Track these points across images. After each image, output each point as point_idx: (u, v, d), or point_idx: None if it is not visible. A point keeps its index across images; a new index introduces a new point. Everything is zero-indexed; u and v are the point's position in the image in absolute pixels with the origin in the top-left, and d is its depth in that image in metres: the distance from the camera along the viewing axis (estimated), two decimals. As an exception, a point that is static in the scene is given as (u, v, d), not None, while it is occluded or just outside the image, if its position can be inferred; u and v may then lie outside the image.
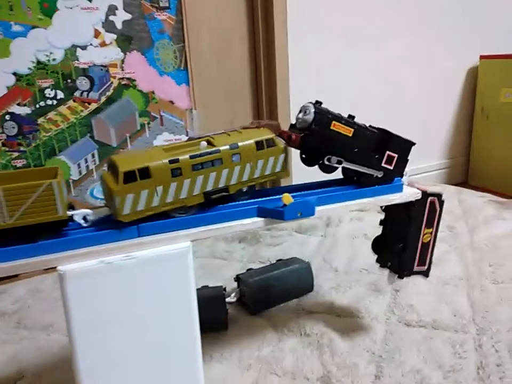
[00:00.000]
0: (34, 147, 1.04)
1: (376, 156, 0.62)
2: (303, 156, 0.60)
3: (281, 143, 0.57)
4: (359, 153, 0.61)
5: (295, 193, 0.57)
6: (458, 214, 1.26)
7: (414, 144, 0.64)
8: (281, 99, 1.28)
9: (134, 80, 1.12)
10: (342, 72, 1.41)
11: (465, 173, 1.74)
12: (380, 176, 0.63)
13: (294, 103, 1.30)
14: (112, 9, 1.07)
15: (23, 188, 0.43)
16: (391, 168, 0.63)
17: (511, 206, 1.30)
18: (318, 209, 0.56)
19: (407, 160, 0.65)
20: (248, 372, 0.66)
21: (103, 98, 1.09)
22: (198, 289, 0.79)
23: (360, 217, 1.22)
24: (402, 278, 0.71)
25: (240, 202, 0.55)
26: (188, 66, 1.18)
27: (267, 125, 0.59)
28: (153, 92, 1.14)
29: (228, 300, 0.81)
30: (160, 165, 0.48)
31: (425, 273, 0.72)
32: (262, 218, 0.53)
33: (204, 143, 0.52)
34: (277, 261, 0.89)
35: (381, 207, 0.69)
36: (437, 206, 0.68)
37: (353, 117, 0.61)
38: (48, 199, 0.44)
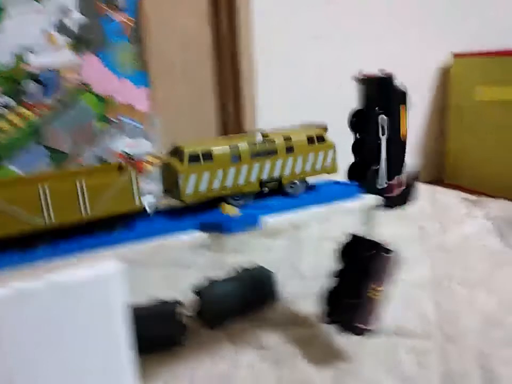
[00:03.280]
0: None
1: None
2: None
3: (330, 139, 0.61)
4: None
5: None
6: (430, 213, 1.24)
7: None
8: (247, 97, 1.23)
9: (90, 84, 1.07)
10: (310, 69, 1.38)
11: (440, 171, 1.73)
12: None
13: (262, 101, 1.26)
14: (65, 11, 1.03)
15: (104, 183, 0.45)
16: None
17: (483, 204, 1.28)
18: (270, 219, 0.53)
19: None
20: (199, 392, 0.63)
21: (56, 104, 1.04)
22: (149, 306, 0.76)
23: (329, 219, 1.19)
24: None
25: (181, 216, 0.51)
26: (147, 68, 1.13)
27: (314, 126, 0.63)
28: (110, 96, 1.10)
29: (185, 313, 0.77)
30: (221, 149, 0.52)
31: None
32: (205, 233, 0.50)
33: (259, 136, 0.56)
34: (239, 270, 0.85)
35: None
36: (388, 263, 0.66)
37: None
38: (127, 191, 0.46)
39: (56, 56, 1.03)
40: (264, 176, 0.56)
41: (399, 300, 0.82)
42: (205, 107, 1.26)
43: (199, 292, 0.78)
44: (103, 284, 0.44)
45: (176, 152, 0.53)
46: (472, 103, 1.56)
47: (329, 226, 1.16)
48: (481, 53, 1.53)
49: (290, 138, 0.57)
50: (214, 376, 0.65)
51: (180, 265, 0.98)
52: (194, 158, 0.50)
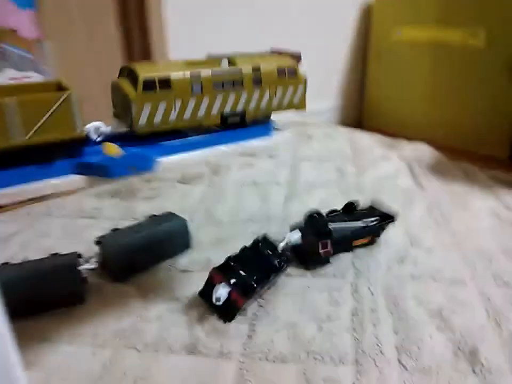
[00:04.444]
0: None
1: None
2: None
3: (302, 74, 0.56)
4: None
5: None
6: (348, 155, 1.25)
7: None
8: (155, 21, 1.09)
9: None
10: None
11: (360, 114, 1.75)
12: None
13: (172, 28, 1.14)
14: None
15: (39, 101, 0.37)
16: None
17: (399, 147, 1.31)
18: (166, 160, 0.46)
19: None
20: (101, 350, 0.57)
21: None
22: (46, 259, 0.68)
23: (251, 163, 1.15)
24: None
25: (57, 157, 0.43)
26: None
27: (287, 55, 0.58)
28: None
29: (87, 267, 0.70)
30: (181, 77, 0.47)
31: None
32: (83, 177, 0.42)
33: (226, 62, 0.51)
34: (149, 217, 0.79)
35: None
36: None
37: None
38: (66, 114, 0.39)
39: None
40: (227, 109, 0.51)
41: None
42: (103, 34, 1.09)
43: (101, 243, 0.71)
44: None
45: (129, 74, 0.46)
46: (390, 45, 1.56)
47: (250, 171, 1.12)
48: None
49: (259, 69, 0.52)
50: (120, 331, 0.60)
51: (83, 215, 0.89)
52: (150, 85, 0.44)
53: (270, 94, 0.54)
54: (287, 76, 0.54)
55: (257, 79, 0.52)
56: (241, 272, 0.64)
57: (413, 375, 0.54)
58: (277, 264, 0.68)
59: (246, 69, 0.51)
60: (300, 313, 0.64)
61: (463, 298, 0.68)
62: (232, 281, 0.63)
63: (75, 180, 0.42)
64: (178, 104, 0.47)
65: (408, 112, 1.53)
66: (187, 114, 0.48)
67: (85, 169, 0.41)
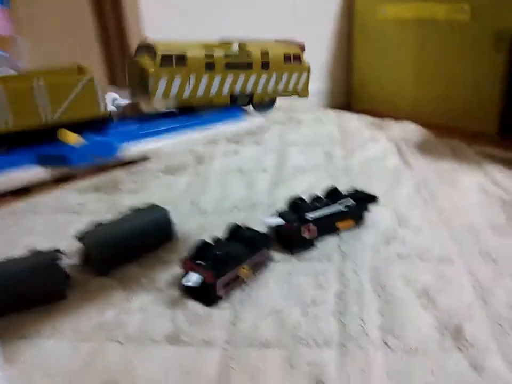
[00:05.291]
0: None
1: None
2: None
3: (306, 61, 0.60)
4: None
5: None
6: (336, 138, 1.23)
7: None
8: (132, 16, 1.07)
9: None
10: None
11: (348, 96, 1.72)
12: None
13: (149, 22, 1.12)
14: None
15: (65, 83, 0.43)
16: None
17: (386, 127, 1.30)
18: (132, 147, 0.45)
19: None
20: (83, 344, 0.57)
21: None
22: (26, 256, 0.66)
23: (236, 150, 1.13)
24: None
25: (16, 149, 0.42)
26: (3, -20, 0.93)
27: (292, 43, 0.61)
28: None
29: (69, 262, 0.69)
30: (196, 55, 0.51)
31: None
32: (44, 168, 0.41)
33: (236, 45, 0.54)
34: (131, 210, 0.78)
35: None
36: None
37: None
38: (90, 95, 0.44)
39: None
40: (237, 90, 0.55)
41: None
42: (79, 28, 1.07)
43: (83, 238, 0.70)
44: None
45: (147, 49, 0.49)
46: (375, 23, 1.54)
47: (235, 159, 1.11)
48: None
49: (267, 53, 0.55)
50: (102, 324, 0.60)
51: (67, 211, 0.88)
52: (167, 60, 0.48)
53: (276, 78, 0.57)
54: (292, 62, 0.58)
55: (266, 63, 0.55)
56: (211, 254, 0.64)
57: (397, 355, 0.53)
58: (256, 239, 0.67)
59: (256, 52, 0.54)
60: (285, 299, 0.63)
61: (450, 276, 0.67)
62: (201, 263, 0.62)
63: (36, 171, 0.40)
64: (192, 80, 0.50)
65: (396, 91, 1.51)
66: (200, 91, 0.52)
67: (45, 160, 0.40)
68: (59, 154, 0.40)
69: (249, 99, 0.57)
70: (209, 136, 0.53)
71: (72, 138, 0.41)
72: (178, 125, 0.50)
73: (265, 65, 0.55)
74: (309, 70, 0.61)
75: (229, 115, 0.55)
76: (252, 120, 0.57)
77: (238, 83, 0.54)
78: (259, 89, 0.56)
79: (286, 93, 0.60)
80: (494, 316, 0.59)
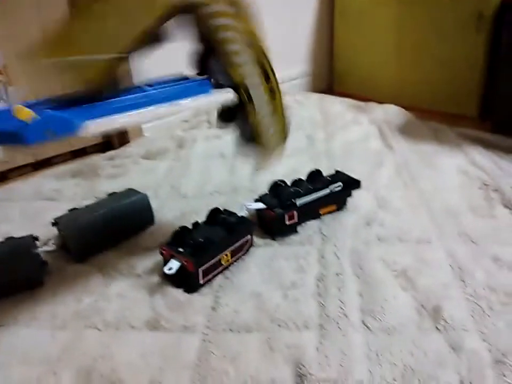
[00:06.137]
0: None
1: None
2: None
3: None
4: None
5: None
6: (318, 122, 1.23)
7: None
8: None
9: None
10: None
11: (330, 79, 1.71)
12: None
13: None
14: None
15: None
16: None
17: (369, 110, 1.29)
18: (95, 122, 0.43)
19: None
20: (61, 331, 0.56)
21: None
22: (0, 245, 0.65)
23: (218, 135, 1.12)
24: None
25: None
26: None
27: None
28: None
29: (45, 249, 0.68)
30: None
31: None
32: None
33: None
34: (108, 195, 0.76)
35: None
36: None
37: None
38: None
39: None
40: None
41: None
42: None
43: (59, 224, 0.69)
44: None
45: None
46: (355, 3, 1.51)
47: (217, 143, 1.10)
48: None
49: None
50: (80, 311, 0.59)
51: (43, 197, 0.86)
52: None
53: None
54: None
55: None
56: (191, 240, 0.63)
57: (377, 336, 0.54)
58: (238, 226, 0.67)
59: None
60: (266, 283, 0.63)
61: (429, 257, 0.67)
62: (180, 250, 0.61)
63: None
64: None
65: (378, 73, 1.50)
66: None
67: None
68: (10, 131, 0.37)
69: None
70: (176, 110, 0.51)
71: (24, 113, 0.38)
72: (145, 100, 0.48)
73: None
74: None
75: (198, 89, 0.53)
76: (220, 94, 0.56)
77: None
78: None
79: None
80: (473, 296, 0.59)
